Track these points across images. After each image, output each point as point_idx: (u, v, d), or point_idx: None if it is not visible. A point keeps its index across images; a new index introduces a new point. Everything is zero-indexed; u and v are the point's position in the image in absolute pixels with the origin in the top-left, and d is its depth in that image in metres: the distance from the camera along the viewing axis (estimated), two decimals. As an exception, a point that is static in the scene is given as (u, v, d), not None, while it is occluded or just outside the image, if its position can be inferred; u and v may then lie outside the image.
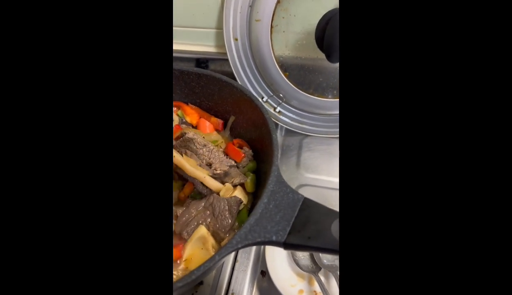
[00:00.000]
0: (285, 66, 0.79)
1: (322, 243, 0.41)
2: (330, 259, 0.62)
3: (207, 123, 0.73)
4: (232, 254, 0.65)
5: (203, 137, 0.67)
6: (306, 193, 0.47)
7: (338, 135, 0.85)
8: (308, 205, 0.46)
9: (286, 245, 0.43)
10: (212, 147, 0.64)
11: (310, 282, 0.62)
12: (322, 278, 0.60)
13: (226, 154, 0.67)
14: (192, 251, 0.54)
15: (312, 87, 0.81)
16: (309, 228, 0.43)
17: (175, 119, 0.73)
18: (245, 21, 0.76)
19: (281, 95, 0.83)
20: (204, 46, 0.92)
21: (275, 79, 0.81)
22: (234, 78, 0.82)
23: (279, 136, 0.88)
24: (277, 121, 0.86)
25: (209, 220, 0.56)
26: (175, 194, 0.62)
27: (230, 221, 0.55)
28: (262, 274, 0.64)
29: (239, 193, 0.59)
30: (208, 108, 0.76)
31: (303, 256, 0.64)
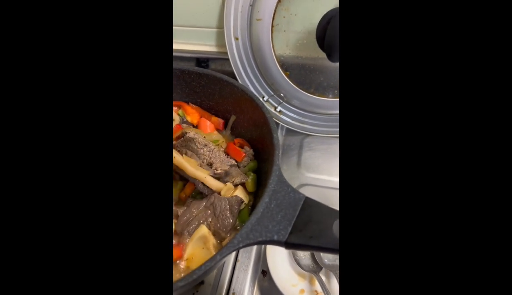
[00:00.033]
0: (286, 65, 0.79)
1: (323, 243, 0.41)
2: (331, 259, 0.62)
3: (208, 122, 0.73)
4: (233, 254, 0.65)
5: (204, 137, 0.67)
6: (307, 192, 0.47)
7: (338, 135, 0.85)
8: (309, 204, 0.46)
9: (287, 245, 0.43)
10: (212, 147, 0.64)
11: (311, 282, 0.62)
12: (323, 278, 0.60)
13: (226, 153, 0.67)
14: (193, 251, 0.54)
15: (313, 87, 0.81)
16: (310, 227, 0.43)
17: (176, 119, 0.73)
18: (246, 20, 0.76)
19: (281, 94, 0.83)
20: (205, 46, 0.92)
21: (276, 78, 0.80)
22: (235, 78, 0.82)
23: (279, 136, 0.88)
24: (278, 121, 0.86)
25: (210, 219, 0.56)
26: (176, 194, 0.62)
27: (231, 220, 0.55)
28: (263, 273, 0.64)
29: (240, 193, 0.59)
30: (209, 107, 0.76)
31: (304, 256, 0.64)
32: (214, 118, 0.74)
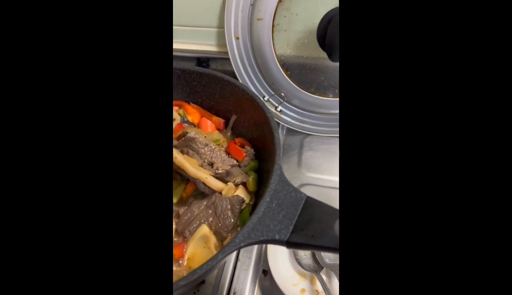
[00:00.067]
0: (286, 65, 0.79)
1: (325, 242, 0.41)
2: (332, 258, 0.62)
3: (209, 122, 0.73)
4: (234, 253, 0.65)
5: (205, 136, 0.67)
6: (308, 192, 0.47)
7: (339, 135, 0.85)
8: (311, 203, 0.46)
9: (289, 244, 0.43)
10: (213, 146, 0.64)
11: (312, 281, 0.62)
12: (324, 277, 0.60)
13: (227, 153, 0.67)
14: (194, 250, 0.54)
15: (314, 86, 0.81)
16: (312, 226, 0.43)
17: (177, 118, 0.73)
18: (246, 20, 0.76)
19: (282, 94, 0.83)
20: (206, 45, 0.92)
21: (277, 78, 0.80)
22: (235, 78, 0.82)
23: (280, 136, 0.88)
24: (278, 121, 0.86)
25: (211, 219, 0.56)
26: (178, 194, 0.61)
27: (232, 220, 0.55)
28: (264, 273, 0.64)
29: (241, 192, 0.59)
30: (210, 107, 0.76)
31: (305, 255, 0.64)
32: (215, 118, 0.74)
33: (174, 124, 0.71)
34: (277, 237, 0.43)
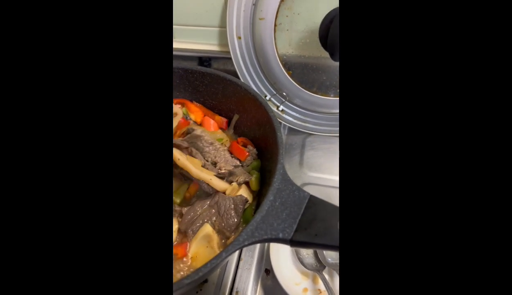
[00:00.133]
0: (288, 64, 0.79)
1: (329, 241, 0.41)
2: (335, 257, 0.62)
3: (212, 121, 0.73)
4: (236, 253, 0.65)
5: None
6: (310, 191, 0.47)
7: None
8: (314, 202, 0.46)
9: (292, 243, 0.43)
10: (218, 146, 0.64)
11: (314, 280, 0.62)
12: (327, 276, 0.60)
13: (231, 153, 0.67)
14: (197, 249, 0.54)
15: (316, 86, 0.81)
16: (315, 225, 0.43)
17: (179, 113, 0.73)
18: (248, 19, 0.76)
19: (284, 94, 0.83)
20: (207, 45, 0.92)
21: (279, 77, 0.81)
22: (237, 77, 0.82)
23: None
24: (280, 120, 0.86)
25: (214, 218, 0.56)
26: (180, 194, 0.61)
27: (235, 219, 0.55)
28: (266, 272, 0.64)
29: (244, 192, 0.59)
30: (212, 106, 0.76)
31: (307, 254, 0.64)
32: (218, 117, 0.74)
33: (178, 119, 0.71)
34: (280, 235, 0.43)
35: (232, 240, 0.52)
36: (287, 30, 0.75)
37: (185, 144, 0.62)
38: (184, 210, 0.58)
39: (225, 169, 0.61)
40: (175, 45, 0.93)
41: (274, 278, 0.60)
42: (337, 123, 0.85)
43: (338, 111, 0.83)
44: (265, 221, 0.45)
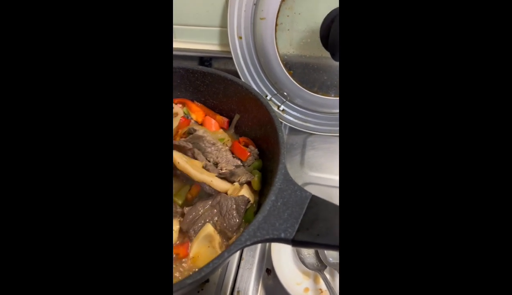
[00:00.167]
0: (289, 64, 0.79)
1: (331, 241, 0.41)
2: (336, 257, 0.62)
3: (213, 121, 0.73)
4: (238, 252, 0.65)
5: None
6: (311, 191, 0.47)
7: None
8: (316, 202, 0.46)
9: (294, 242, 0.43)
10: (220, 146, 0.64)
11: (315, 280, 0.62)
12: (328, 276, 0.60)
13: (232, 153, 0.67)
14: (198, 249, 0.54)
15: (317, 86, 0.81)
16: (317, 225, 0.43)
17: (180, 112, 0.73)
18: (249, 19, 0.76)
19: (285, 93, 0.83)
20: (208, 45, 0.92)
21: (279, 77, 0.81)
22: (238, 77, 0.82)
23: (283, 135, 0.88)
24: (281, 120, 0.86)
25: (216, 218, 0.56)
26: (182, 196, 0.61)
27: (237, 220, 0.55)
28: (267, 272, 0.64)
29: (245, 192, 0.59)
30: (213, 106, 0.76)
31: (309, 254, 0.64)
32: (219, 117, 0.74)
33: (179, 119, 0.71)
34: (282, 235, 0.43)
35: (234, 240, 0.52)
36: (288, 30, 0.75)
37: (189, 145, 0.62)
38: (186, 210, 0.58)
39: (226, 169, 0.61)
40: (176, 45, 0.93)
41: (275, 277, 0.60)
42: (338, 123, 0.85)
43: (338, 111, 0.83)
44: (267, 221, 0.45)
